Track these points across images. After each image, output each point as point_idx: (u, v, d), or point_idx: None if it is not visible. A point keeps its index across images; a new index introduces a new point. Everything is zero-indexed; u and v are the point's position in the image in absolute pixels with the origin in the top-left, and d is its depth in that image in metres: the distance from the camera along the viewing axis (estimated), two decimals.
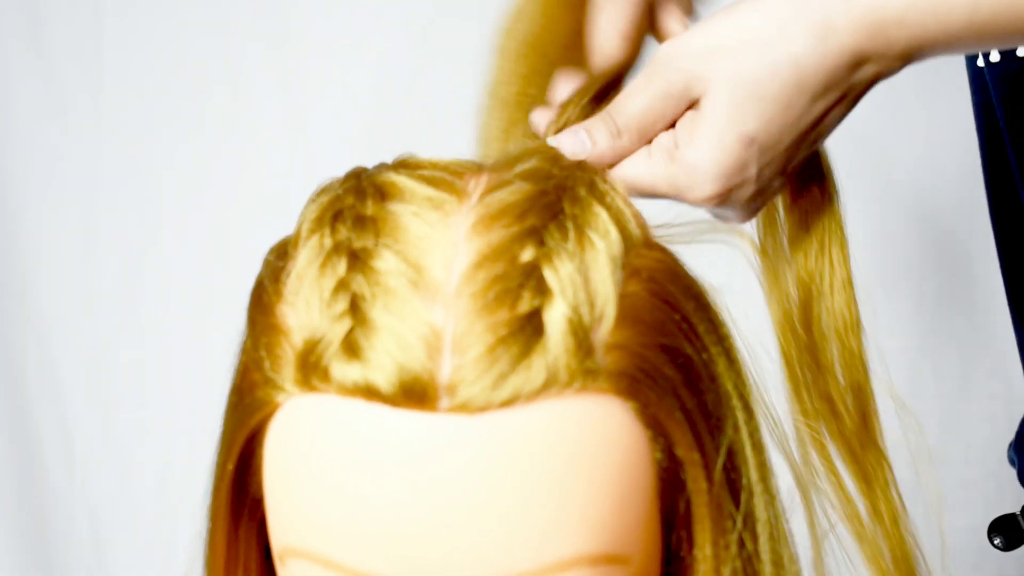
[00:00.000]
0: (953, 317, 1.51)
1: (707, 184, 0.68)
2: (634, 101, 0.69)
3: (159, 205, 1.63)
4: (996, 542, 1.03)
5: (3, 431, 1.65)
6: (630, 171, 0.69)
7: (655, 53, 0.71)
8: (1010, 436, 1.10)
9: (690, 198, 0.70)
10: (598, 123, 0.69)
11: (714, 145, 0.68)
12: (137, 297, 1.63)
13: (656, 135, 0.70)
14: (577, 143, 0.69)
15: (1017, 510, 1.06)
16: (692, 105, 0.69)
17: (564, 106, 0.73)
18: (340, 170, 0.66)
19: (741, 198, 0.70)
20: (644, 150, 0.70)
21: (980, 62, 0.95)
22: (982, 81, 0.97)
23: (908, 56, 0.69)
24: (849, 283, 0.75)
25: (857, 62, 0.68)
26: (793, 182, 0.75)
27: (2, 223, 1.64)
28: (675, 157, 0.69)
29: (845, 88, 0.69)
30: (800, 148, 0.70)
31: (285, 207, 0.72)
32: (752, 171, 0.69)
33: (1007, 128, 0.95)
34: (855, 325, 0.75)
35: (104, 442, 1.65)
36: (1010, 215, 0.99)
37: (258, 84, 1.60)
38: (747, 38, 0.68)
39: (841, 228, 0.75)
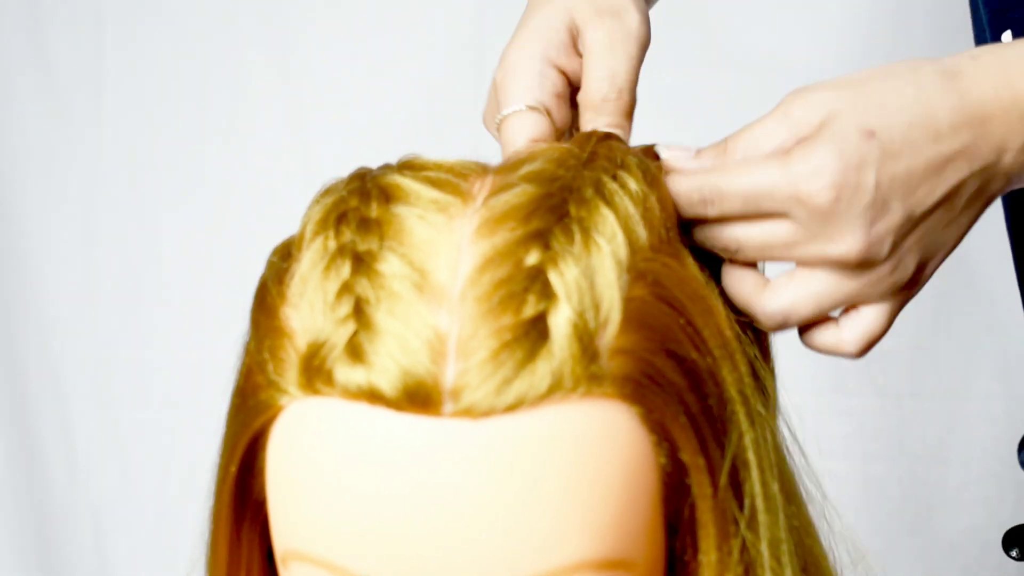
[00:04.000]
0: (953, 317, 1.51)
1: (820, 176, 0.62)
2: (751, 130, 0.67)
3: (161, 205, 1.63)
4: (1012, 553, 1.02)
5: (5, 432, 1.65)
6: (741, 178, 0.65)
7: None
8: (1011, 435, 1.09)
9: (803, 203, 0.63)
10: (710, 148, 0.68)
11: (832, 135, 0.63)
12: (139, 298, 1.63)
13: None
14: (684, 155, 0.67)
15: (1019, 515, 1.06)
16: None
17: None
18: (343, 170, 0.66)
19: (854, 214, 0.63)
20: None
21: None
22: None
23: None
24: None
25: (986, 125, 0.65)
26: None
27: (4, 223, 1.64)
28: (789, 155, 0.64)
29: (978, 162, 0.65)
30: (930, 210, 0.65)
31: (288, 207, 0.72)
32: (870, 176, 0.63)
33: None
34: None
35: (106, 443, 1.65)
36: None
37: (260, 84, 1.60)
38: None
39: None
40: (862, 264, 0.65)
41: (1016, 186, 0.68)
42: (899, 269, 0.66)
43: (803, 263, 0.66)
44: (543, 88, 0.72)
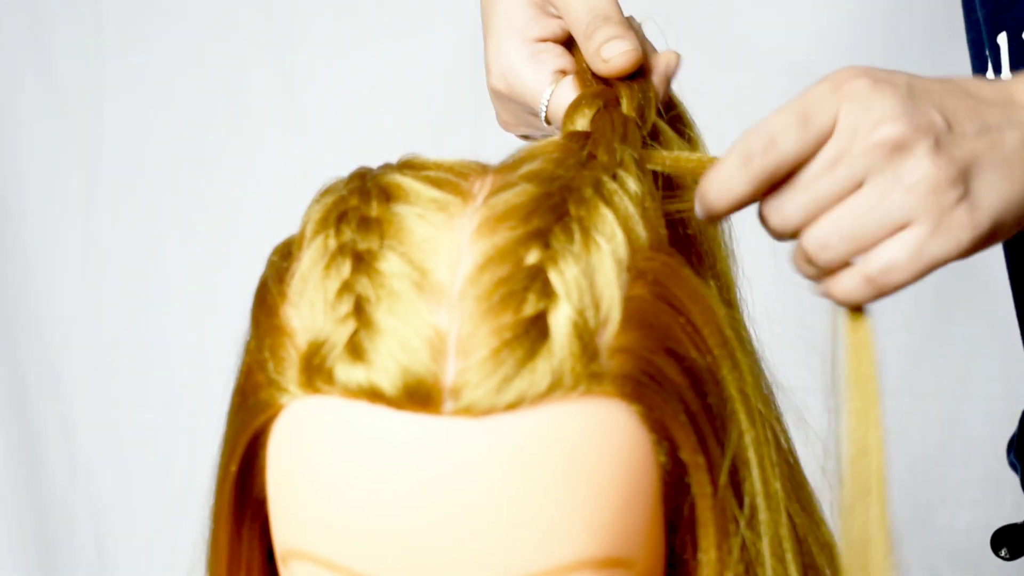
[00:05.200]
0: (953, 317, 1.51)
1: (858, 77, 0.63)
2: None
3: (161, 205, 1.63)
4: (1002, 553, 1.02)
5: (5, 432, 1.65)
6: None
7: None
8: (1010, 436, 1.09)
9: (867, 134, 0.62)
10: None
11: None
12: (139, 297, 1.63)
13: None
14: None
15: (1019, 515, 1.06)
16: None
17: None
18: (344, 170, 0.66)
19: (890, 96, 0.62)
20: None
21: (990, 74, 0.94)
22: None
23: None
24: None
25: None
26: None
27: (4, 223, 1.64)
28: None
29: (1017, 115, 0.64)
30: (972, 135, 0.63)
31: (288, 207, 0.72)
32: (900, 77, 0.63)
33: None
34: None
35: (106, 443, 1.65)
36: None
37: (260, 83, 1.60)
38: None
39: None
40: (902, 145, 0.62)
41: None
42: (946, 176, 0.62)
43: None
44: (548, 66, 0.75)
